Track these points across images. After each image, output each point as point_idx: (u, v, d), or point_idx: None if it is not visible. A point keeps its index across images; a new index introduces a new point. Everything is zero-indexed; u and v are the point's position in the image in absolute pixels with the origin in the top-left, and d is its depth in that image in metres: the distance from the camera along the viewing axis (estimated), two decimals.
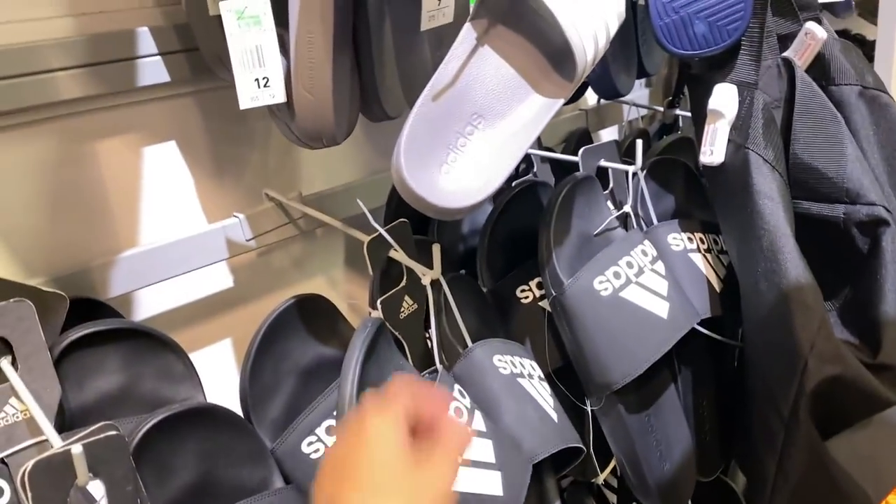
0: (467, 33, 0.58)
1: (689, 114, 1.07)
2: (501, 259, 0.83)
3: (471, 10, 0.63)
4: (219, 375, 0.77)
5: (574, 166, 0.86)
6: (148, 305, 0.78)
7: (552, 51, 0.61)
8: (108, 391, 0.59)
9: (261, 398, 0.62)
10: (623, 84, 0.88)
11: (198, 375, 0.64)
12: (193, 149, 0.79)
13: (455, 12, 0.64)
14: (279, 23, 0.62)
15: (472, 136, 0.58)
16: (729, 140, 0.73)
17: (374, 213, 0.80)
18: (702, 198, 0.89)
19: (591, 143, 1.12)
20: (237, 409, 0.63)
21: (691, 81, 0.82)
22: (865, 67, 0.78)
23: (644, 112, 1.21)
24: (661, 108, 1.10)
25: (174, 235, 0.77)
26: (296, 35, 0.59)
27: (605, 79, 0.87)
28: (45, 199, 0.70)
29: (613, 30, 0.61)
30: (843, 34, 1.24)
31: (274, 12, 0.62)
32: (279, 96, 0.62)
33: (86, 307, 0.67)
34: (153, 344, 0.61)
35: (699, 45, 0.71)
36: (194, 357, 0.65)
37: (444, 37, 0.74)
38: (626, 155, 0.92)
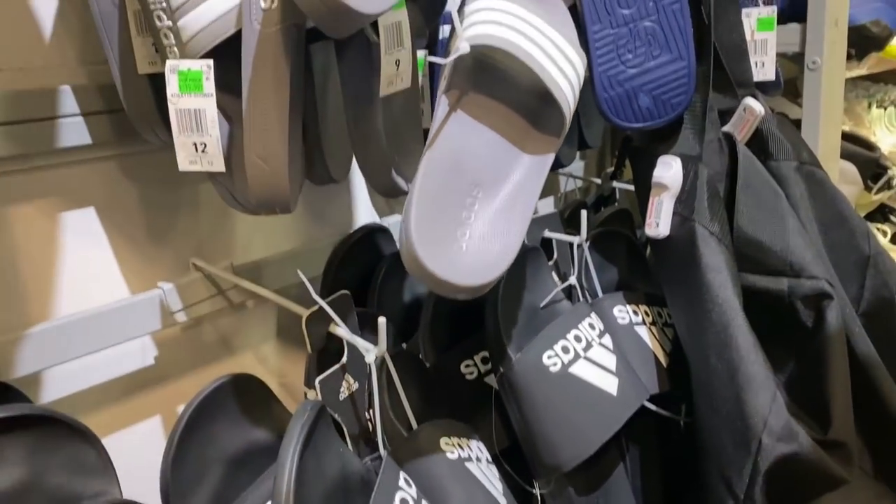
0: (444, 105, 0.58)
1: (626, 186, 1.08)
2: (445, 331, 0.80)
3: (421, 77, 0.61)
4: (138, 464, 0.70)
5: None
6: (59, 385, 0.71)
7: (528, 109, 0.61)
8: (8, 487, 0.52)
9: (185, 490, 0.56)
10: (565, 156, 0.88)
11: (112, 466, 0.57)
12: (115, 215, 0.73)
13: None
14: (221, 86, 0.59)
15: (476, 208, 0.58)
16: (674, 213, 0.72)
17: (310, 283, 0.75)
18: (644, 269, 0.88)
19: None
20: (157, 502, 0.57)
21: (633, 154, 0.82)
22: (801, 143, 0.79)
23: (580, 183, 1.22)
24: (598, 181, 1.11)
25: (91, 308, 0.71)
26: (248, 102, 0.55)
27: None
28: None
29: (582, 77, 0.62)
30: None
31: (217, 74, 0.58)
32: (217, 164, 0.58)
33: None
34: (62, 432, 0.54)
35: (643, 118, 0.71)
36: (110, 443, 0.59)
37: (394, 100, 0.72)
38: (569, 225, 0.91)
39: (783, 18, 1.00)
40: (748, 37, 0.89)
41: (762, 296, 0.73)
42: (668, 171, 0.72)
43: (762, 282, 0.73)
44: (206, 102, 0.57)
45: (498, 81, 0.60)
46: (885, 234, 1.61)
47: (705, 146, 0.74)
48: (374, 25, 0.56)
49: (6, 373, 0.64)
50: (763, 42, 0.90)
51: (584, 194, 1.24)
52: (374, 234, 0.88)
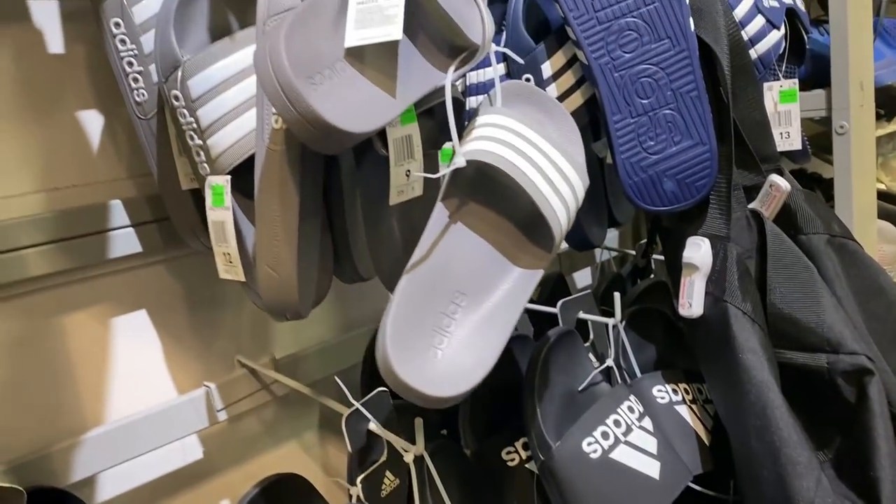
0: (440, 212, 0.58)
1: (661, 257, 1.08)
2: (484, 418, 0.81)
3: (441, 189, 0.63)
4: None
5: (552, 315, 0.85)
6: (112, 486, 0.73)
7: (525, 222, 0.61)
8: None
9: None
10: (595, 236, 0.89)
11: None
12: (164, 316, 0.77)
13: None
14: (251, 196, 0.62)
15: (458, 316, 0.57)
16: (706, 292, 0.72)
17: (350, 372, 0.77)
18: (682, 345, 0.88)
19: (566, 285, 1.12)
20: None
21: (663, 233, 0.83)
22: (831, 216, 0.79)
23: (615, 254, 1.22)
24: (633, 252, 1.12)
25: (142, 410, 0.73)
26: (258, 211, 0.58)
27: (578, 232, 0.88)
28: (6, 380, 0.67)
29: (581, 196, 0.62)
30: (800, 173, 1.29)
31: (248, 187, 0.62)
32: (240, 274, 0.61)
33: (44, 497, 0.63)
34: None
35: (669, 201, 0.72)
36: None
37: (413, 206, 0.74)
38: (604, 299, 0.91)
39: (807, 84, 1.01)
40: (771, 109, 0.91)
41: (802, 372, 0.72)
42: (698, 251, 0.72)
43: (800, 358, 0.72)
44: (226, 215, 0.61)
45: (496, 193, 0.61)
46: None
47: (732, 224, 0.74)
48: (384, 138, 0.59)
49: (64, 478, 0.67)
50: (787, 113, 0.91)
51: (619, 264, 1.24)
52: None
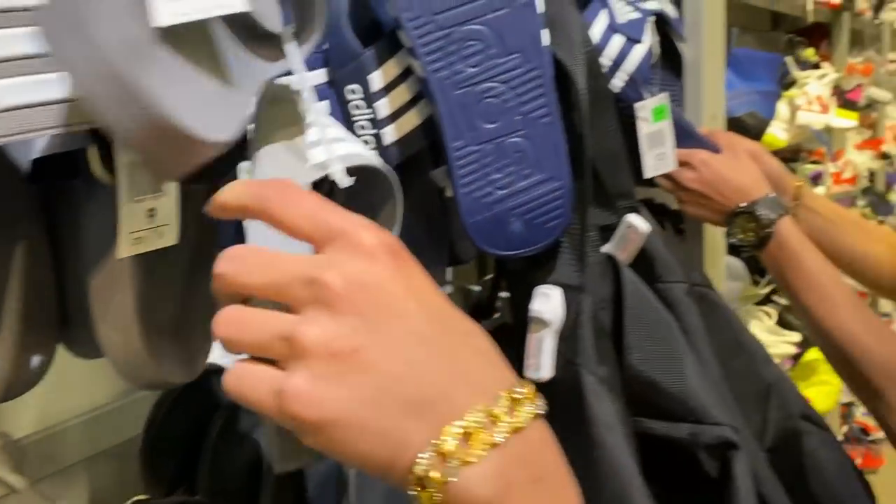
0: None
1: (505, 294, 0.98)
2: None
3: None
4: None
5: None
6: None
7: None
8: None
9: None
10: (434, 276, 0.78)
11: None
12: None
13: None
14: None
15: None
16: (558, 352, 0.62)
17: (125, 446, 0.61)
18: None
19: None
20: None
21: (510, 277, 0.72)
22: (690, 263, 0.72)
23: (450, 289, 1.11)
24: (477, 287, 1.01)
25: None
26: None
27: None
28: None
29: None
30: (647, 203, 1.24)
31: None
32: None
33: None
34: None
35: (517, 245, 0.61)
36: None
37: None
38: None
39: None
40: (645, 131, 0.82)
41: (663, 442, 0.63)
42: (547, 303, 0.62)
43: (661, 428, 0.63)
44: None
45: None
46: (769, 316, 1.59)
47: (586, 271, 0.64)
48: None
49: None
50: (659, 133, 0.83)
51: (461, 297, 1.13)
52: (209, 378, 0.74)
